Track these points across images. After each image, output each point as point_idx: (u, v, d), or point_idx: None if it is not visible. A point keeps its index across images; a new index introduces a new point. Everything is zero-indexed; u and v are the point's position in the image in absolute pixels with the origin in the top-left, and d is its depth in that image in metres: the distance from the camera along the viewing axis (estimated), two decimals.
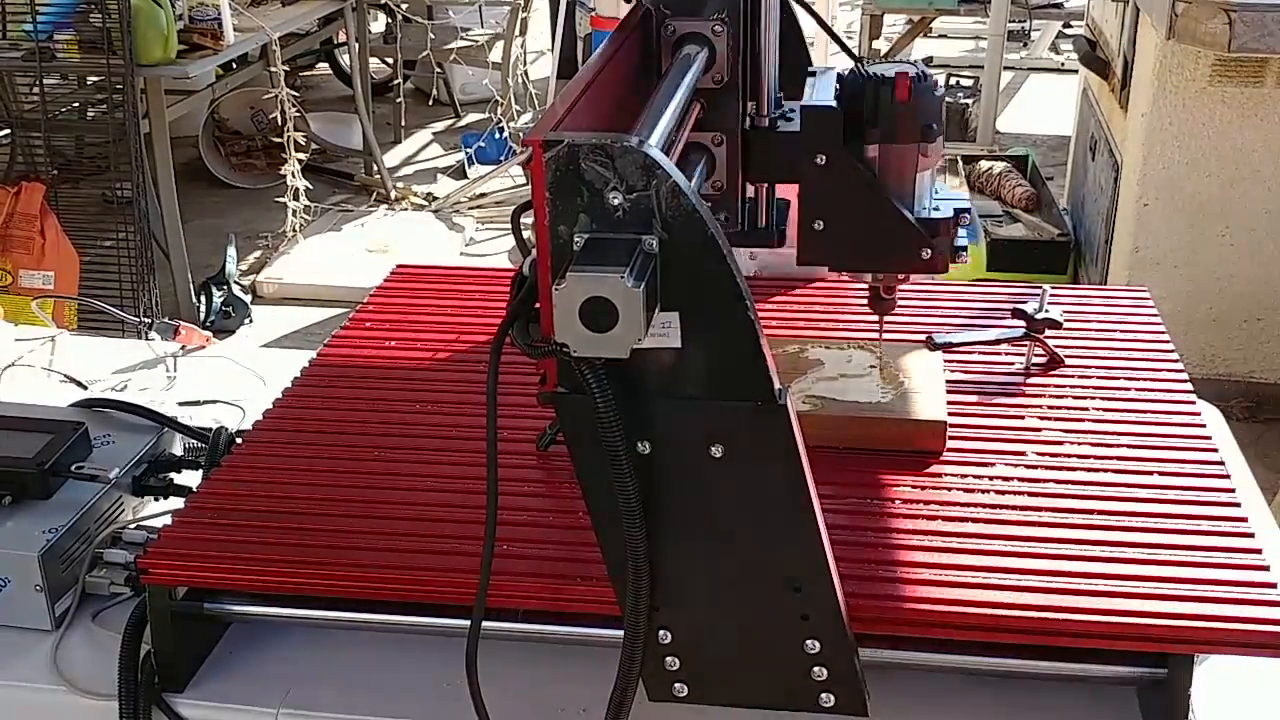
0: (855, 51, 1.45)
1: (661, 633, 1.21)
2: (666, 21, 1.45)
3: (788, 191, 1.57)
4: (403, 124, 7.28)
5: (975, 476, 1.49)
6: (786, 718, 1.28)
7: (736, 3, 1.45)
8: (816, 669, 1.22)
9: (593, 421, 1.07)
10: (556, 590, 1.33)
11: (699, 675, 1.25)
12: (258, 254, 5.74)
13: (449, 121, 7.58)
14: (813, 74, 1.54)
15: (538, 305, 1.07)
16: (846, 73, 1.45)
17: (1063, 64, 8.07)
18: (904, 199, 1.44)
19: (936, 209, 1.46)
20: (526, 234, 1.11)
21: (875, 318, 1.61)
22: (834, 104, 1.43)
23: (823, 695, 1.24)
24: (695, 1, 1.44)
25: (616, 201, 1.02)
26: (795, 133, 1.47)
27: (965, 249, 1.46)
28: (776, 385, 1.08)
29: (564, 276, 1.00)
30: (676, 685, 1.25)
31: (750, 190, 1.57)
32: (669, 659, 1.24)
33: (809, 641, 1.21)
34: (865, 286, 1.57)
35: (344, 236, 5.88)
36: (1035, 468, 1.50)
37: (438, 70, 7.04)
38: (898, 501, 1.44)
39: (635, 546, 1.12)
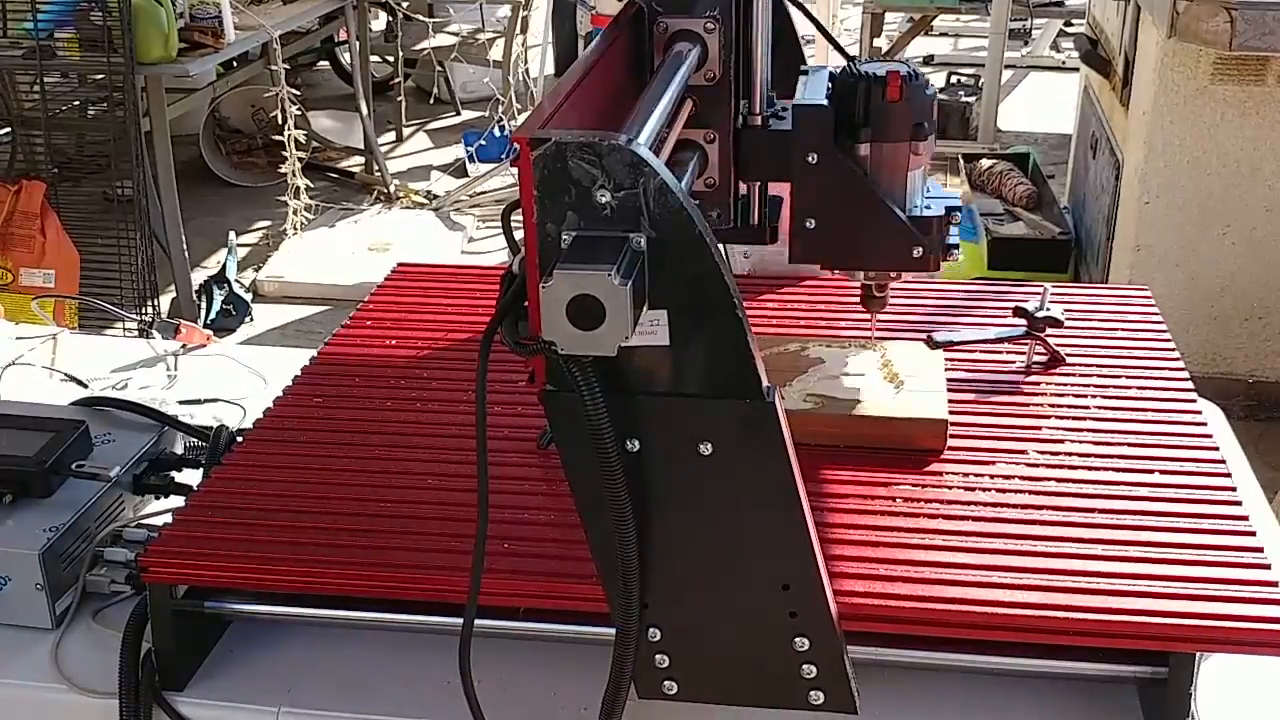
0: (855, 49, 1.45)
1: (651, 630, 1.22)
2: (658, 19, 1.46)
3: (781, 189, 1.57)
4: (403, 122, 7.28)
5: (976, 475, 1.49)
6: (778, 715, 1.28)
7: (728, 0, 1.45)
8: (806, 666, 1.22)
9: (581, 419, 1.07)
10: (556, 589, 1.33)
11: (688, 673, 1.25)
12: (258, 252, 5.74)
13: (450, 119, 7.58)
14: (805, 73, 1.54)
15: (527, 303, 1.07)
16: (838, 71, 1.46)
17: (1064, 62, 8.07)
18: (895, 197, 1.44)
19: (928, 207, 1.46)
20: (518, 233, 1.11)
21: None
22: (825, 103, 1.43)
23: (812, 693, 1.24)
24: None
25: (604, 199, 1.02)
26: (787, 131, 1.47)
27: (957, 247, 1.47)
28: (765, 383, 1.08)
29: (551, 274, 1.00)
30: (666, 683, 1.26)
31: (743, 188, 1.57)
32: (659, 656, 1.24)
33: (798, 639, 1.21)
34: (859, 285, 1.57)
35: (344, 235, 5.88)
36: (1036, 466, 1.50)
37: (438, 68, 7.05)
38: (898, 500, 1.44)
39: (624, 544, 1.12)
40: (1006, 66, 6.87)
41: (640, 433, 1.10)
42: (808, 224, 1.46)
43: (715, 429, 1.10)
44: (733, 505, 1.14)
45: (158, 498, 1.64)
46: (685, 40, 1.46)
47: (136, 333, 2.30)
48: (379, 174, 6.50)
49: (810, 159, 1.43)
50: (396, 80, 7.22)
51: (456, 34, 7.94)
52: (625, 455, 1.10)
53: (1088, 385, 1.67)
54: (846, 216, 1.45)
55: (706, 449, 1.11)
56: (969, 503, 1.43)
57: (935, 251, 1.45)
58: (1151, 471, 1.48)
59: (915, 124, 1.42)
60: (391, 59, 7.43)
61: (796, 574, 1.17)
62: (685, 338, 1.07)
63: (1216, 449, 1.52)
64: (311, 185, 5.70)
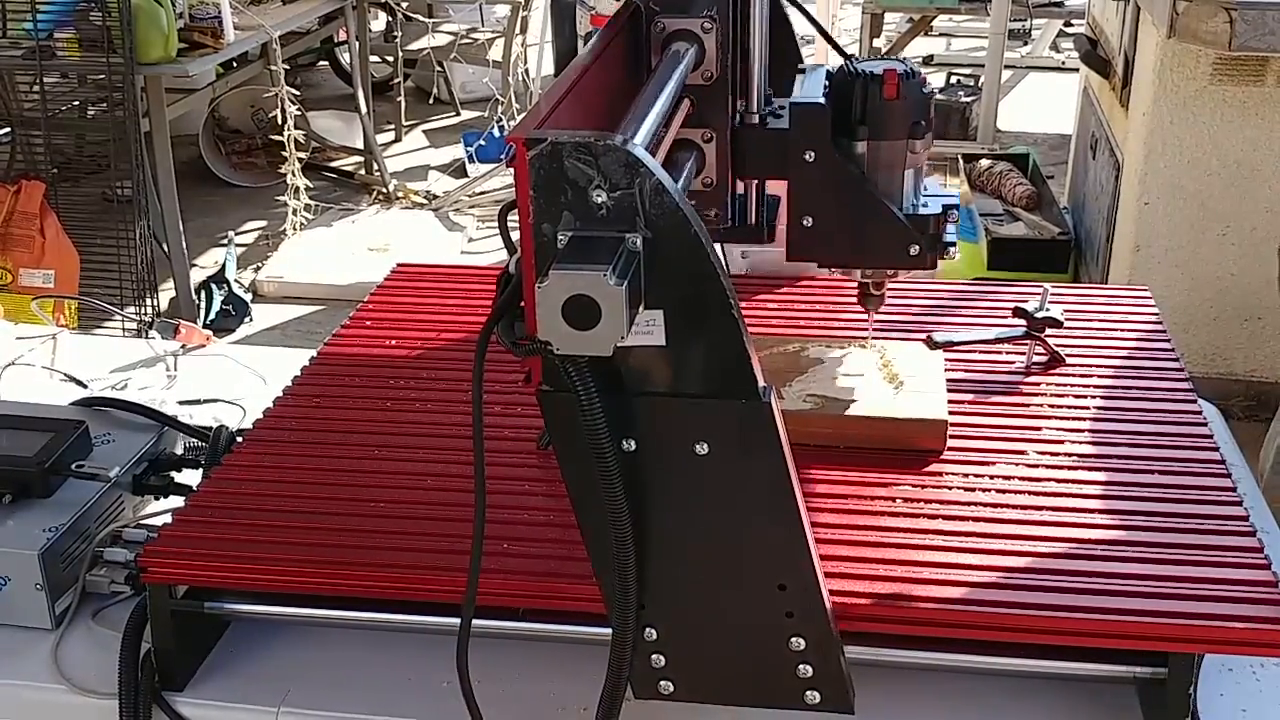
0: (854, 50, 1.46)
1: (647, 630, 1.22)
2: (656, 19, 1.46)
3: (778, 188, 1.57)
4: (403, 122, 7.28)
5: (976, 476, 1.49)
6: (775, 714, 1.28)
7: (726, 0, 1.45)
8: (802, 666, 1.22)
9: (577, 419, 1.07)
10: (555, 589, 1.33)
11: (685, 673, 1.25)
12: (257, 252, 5.74)
13: (449, 119, 7.58)
14: (802, 71, 1.55)
15: (523, 303, 1.07)
16: (836, 70, 1.46)
17: (1063, 62, 8.07)
18: (892, 195, 1.45)
19: (925, 205, 1.47)
20: (515, 233, 1.11)
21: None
22: (823, 101, 1.44)
23: (808, 693, 1.24)
24: None
25: (600, 199, 1.02)
26: (784, 130, 1.48)
27: (954, 244, 1.47)
28: (761, 383, 1.08)
29: (547, 274, 1.00)
30: (662, 683, 1.26)
31: (740, 187, 1.58)
32: (655, 656, 1.24)
33: (794, 639, 1.21)
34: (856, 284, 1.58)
35: (344, 235, 5.88)
36: (1036, 467, 1.50)
37: (438, 68, 7.05)
38: (898, 500, 1.44)
39: (621, 544, 1.12)
40: (1006, 67, 6.87)
41: (637, 433, 1.10)
42: (805, 222, 1.47)
43: (711, 429, 1.10)
44: (729, 505, 1.14)
45: (157, 498, 1.64)
46: (682, 40, 1.46)
47: (136, 333, 2.30)
48: (378, 174, 6.50)
49: (807, 157, 1.44)
50: (396, 80, 7.22)
51: (455, 34, 7.94)
52: (622, 455, 1.10)
53: (1087, 386, 1.67)
54: (843, 214, 1.46)
55: (703, 449, 1.11)
56: (969, 503, 1.44)
57: (932, 249, 1.46)
58: (1151, 472, 1.48)
59: (913, 122, 1.43)
60: (391, 59, 7.43)
61: (793, 574, 1.17)
62: (681, 338, 1.07)
63: (1216, 449, 1.52)
64: (311, 185, 5.69)
